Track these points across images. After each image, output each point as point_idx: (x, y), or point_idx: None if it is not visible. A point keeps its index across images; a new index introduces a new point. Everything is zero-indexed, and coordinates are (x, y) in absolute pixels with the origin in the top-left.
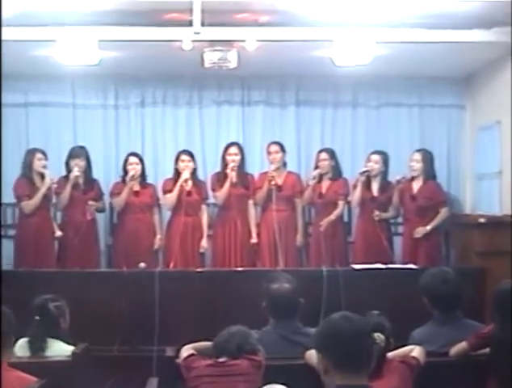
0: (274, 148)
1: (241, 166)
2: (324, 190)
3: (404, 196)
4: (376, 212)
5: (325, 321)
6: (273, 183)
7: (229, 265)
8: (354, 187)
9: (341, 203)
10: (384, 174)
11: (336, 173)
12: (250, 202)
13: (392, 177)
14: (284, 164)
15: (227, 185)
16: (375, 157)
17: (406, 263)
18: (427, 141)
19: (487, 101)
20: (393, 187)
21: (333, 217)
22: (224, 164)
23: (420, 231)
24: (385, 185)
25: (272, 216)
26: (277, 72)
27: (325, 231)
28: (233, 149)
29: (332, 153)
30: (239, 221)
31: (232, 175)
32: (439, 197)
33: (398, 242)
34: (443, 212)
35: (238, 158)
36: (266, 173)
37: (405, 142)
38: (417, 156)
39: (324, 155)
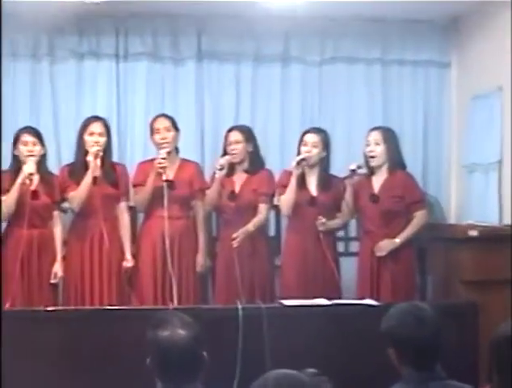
0: (163, 123)
1: (108, 151)
2: (237, 188)
3: (361, 195)
4: (321, 220)
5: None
6: (164, 177)
7: (91, 301)
8: (283, 184)
9: (263, 207)
10: (326, 163)
11: (255, 163)
12: (122, 206)
13: (340, 168)
14: (176, 149)
15: (86, 181)
16: (312, 137)
17: (363, 297)
18: (393, 115)
19: (482, 57)
20: (341, 182)
21: (251, 227)
22: (83, 149)
23: (384, 246)
24: (328, 180)
25: (159, 226)
26: (167, 10)
27: (239, 249)
28: (96, 127)
29: (249, 133)
30: (105, 235)
31: (94, 166)
32: (413, 195)
33: (351, 265)
34: (419, 218)
35: (103, 139)
36: (152, 161)
37: (361, 116)
38: (376, 135)
39: (236, 136)
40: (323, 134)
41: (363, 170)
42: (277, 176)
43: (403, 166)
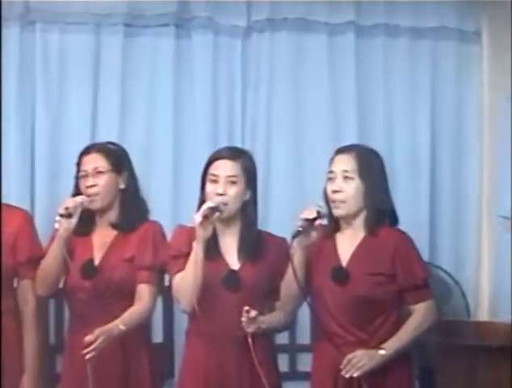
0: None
1: None
2: (97, 255)
3: (318, 268)
4: (248, 313)
5: None
6: None
7: None
8: (179, 251)
9: (144, 290)
10: (253, 211)
11: (130, 210)
12: None
13: (285, 219)
14: None
15: None
16: (227, 166)
17: None
18: (379, 121)
19: None
20: (283, 245)
21: (121, 326)
22: None
23: (359, 362)
24: (259, 241)
25: None
26: None
27: (98, 364)
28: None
29: (118, 156)
30: None
31: None
32: (410, 272)
33: None
34: (422, 313)
35: None
36: None
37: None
38: (347, 162)
39: (95, 161)
40: (246, 159)
41: (324, 221)
42: (169, 235)
43: (392, 219)
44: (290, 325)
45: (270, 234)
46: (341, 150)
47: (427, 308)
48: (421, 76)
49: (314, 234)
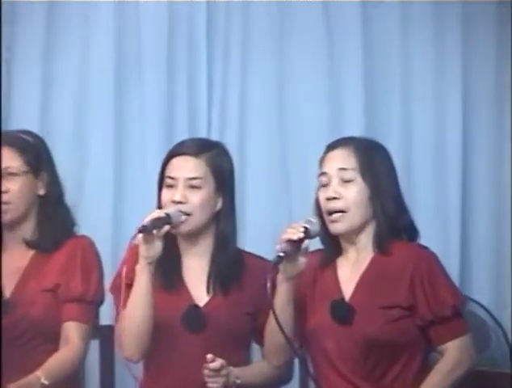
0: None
1: None
2: (9, 285)
3: (314, 302)
4: (214, 363)
5: None
6: None
7: None
8: (124, 278)
9: (72, 330)
10: (229, 224)
11: (52, 223)
12: None
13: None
14: None
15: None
16: (185, 164)
17: None
18: (384, 107)
19: None
20: (263, 272)
21: (42, 379)
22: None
23: None
24: (235, 266)
25: None
26: None
27: None
28: None
29: (31, 152)
30: None
31: None
32: (436, 301)
33: None
34: (453, 357)
35: None
36: None
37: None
38: (345, 160)
39: (8, 158)
40: (215, 155)
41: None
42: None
43: (410, 233)
44: (287, 379)
45: (252, 256)
46: (334, 145)
47: (461, 347)
48: (449, 51)
49: (302, 260)
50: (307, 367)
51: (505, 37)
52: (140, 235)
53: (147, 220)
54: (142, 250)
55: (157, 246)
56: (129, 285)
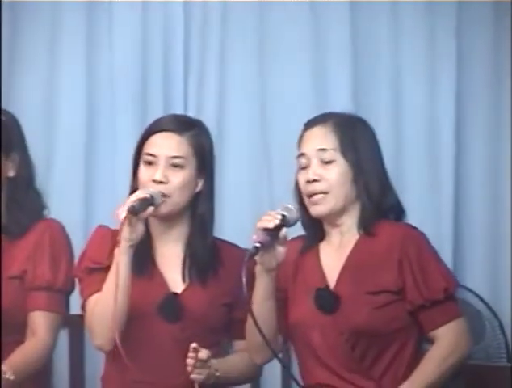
0: None
1: None
2: None
3: (295, 290)
4: (197, 352)
5: None
6: None
7: None
8: (94, 262)
9: (40, 320)
10: (206, 209)
11: (21, 206)
12: None
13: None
14: None
15: None
16: (166, 142)
17: None
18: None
19: None
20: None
21: (7, 373)
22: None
23: None
24: (215, 253)
25: None
26: None
27: None
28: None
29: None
30: None
31: None
32: (427, 284)
33: None
34: (449, 340)
35: None
36: None
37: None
38: (323, 138)
39: None
40: (198, 133)
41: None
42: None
43: (396, 212)
44: (257, 375)
45: (229, 244)
46: (312, 123)
47: (455, 331)
48: (442, 30)
49: (281, 250)
50: (290, 374)
51: (502, 23)
52: (122, 216)
53: (133, 200)
54: (125, 232)
55: (140, 228)
56: (92, 271)
